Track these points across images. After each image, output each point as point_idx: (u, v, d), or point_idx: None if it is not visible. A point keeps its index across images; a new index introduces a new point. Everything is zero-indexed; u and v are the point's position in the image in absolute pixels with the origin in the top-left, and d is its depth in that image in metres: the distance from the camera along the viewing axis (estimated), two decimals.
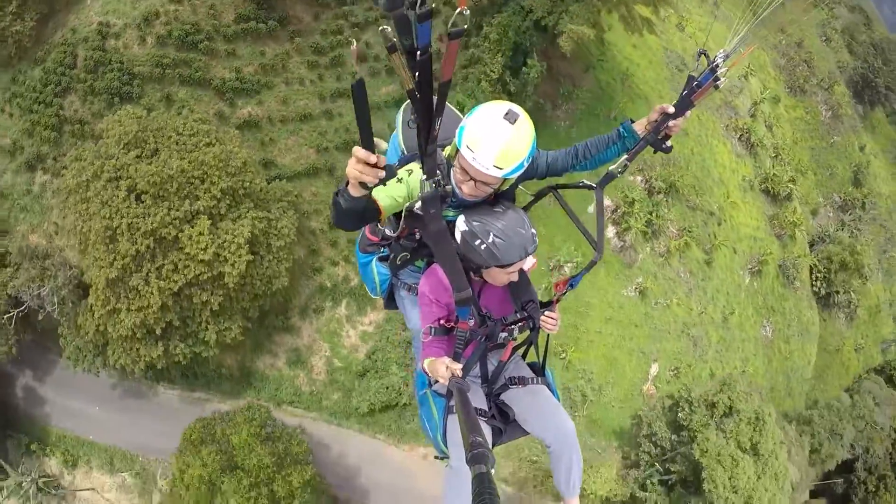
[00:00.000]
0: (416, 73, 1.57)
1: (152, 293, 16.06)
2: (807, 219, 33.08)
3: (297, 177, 22.86)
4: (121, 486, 20.04)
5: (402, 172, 2.33)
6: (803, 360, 30.42)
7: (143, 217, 16.17)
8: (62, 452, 20.20)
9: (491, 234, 2.31)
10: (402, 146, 2.82)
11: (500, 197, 2.54)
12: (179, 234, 16.42)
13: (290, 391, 20.99)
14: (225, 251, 16.63)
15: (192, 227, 16.53)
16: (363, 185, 1.82)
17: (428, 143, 1.91)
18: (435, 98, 1.73)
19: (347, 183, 1.90)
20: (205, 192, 17.01)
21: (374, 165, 1.73)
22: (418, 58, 1.51)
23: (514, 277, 2.53)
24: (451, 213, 2.53)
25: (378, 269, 2.95)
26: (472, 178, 2.28)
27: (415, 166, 2.31)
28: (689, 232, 24.78)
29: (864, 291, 33.22)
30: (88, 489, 19.82)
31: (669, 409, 20.52)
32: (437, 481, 21.02)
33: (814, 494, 29.97)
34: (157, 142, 17.69)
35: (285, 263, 19.04)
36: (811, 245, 31.99)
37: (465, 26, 1.50)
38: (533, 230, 2.39)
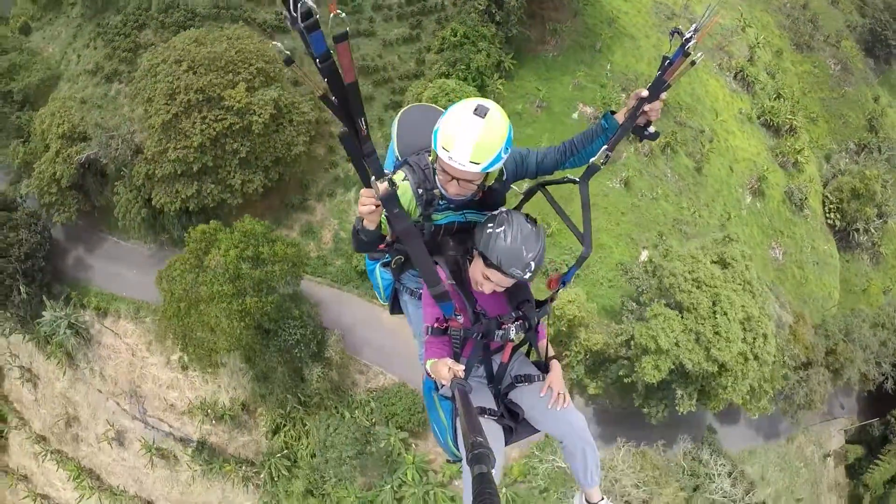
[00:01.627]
0: (326, 80, 1.90)
1: (196, 134, 23.02)
2: (820, 163, 37.14)
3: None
4: (140, 332, 25.68)
5: (384, 182, 2.52)
6: (822, 291, 32.99)
7: (196, 80, 23.61)
8: (97, 302, 26.37)
9: (504, 228, 2.61)
10: (397, 153, 3.25)
11: (490, 196, 2.90)
12: (222, 93, 23.67)
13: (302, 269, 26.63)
14: (255, 105, 23.67)
15: (233, 90, 23.80)
16: (374, 215, 2.40)
17: (360, 143, 2.14)
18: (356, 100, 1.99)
19: (363, 220, 2.45)
20: (244, 69, 24.49)
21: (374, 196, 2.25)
22: (319, 66, 1.85)
23: (486, 288, 2.78)
24: (440, 217, 2.92)
25: (381, 275, 3.38)
26: (453, 178, 2.62)
27: (399, 175, 2.69)
28: (674, 135, 29.80)
29: (888, 232, 35.94)
30: (112, 331, 25.57)
31: (654, 273, 24.40)
32: None
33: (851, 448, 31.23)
34: (211, 44, 25.68)
35: (303, 136, 25.89)
36: (824, 186, 35.77)
37: (347, 29, 1.81)
38: (533, 263, 2.60)
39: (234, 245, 18.51)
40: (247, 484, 26.52)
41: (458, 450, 3.01)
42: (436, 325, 2.90)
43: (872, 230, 34.95)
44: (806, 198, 33.51)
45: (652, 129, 2.85)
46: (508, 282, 2.71)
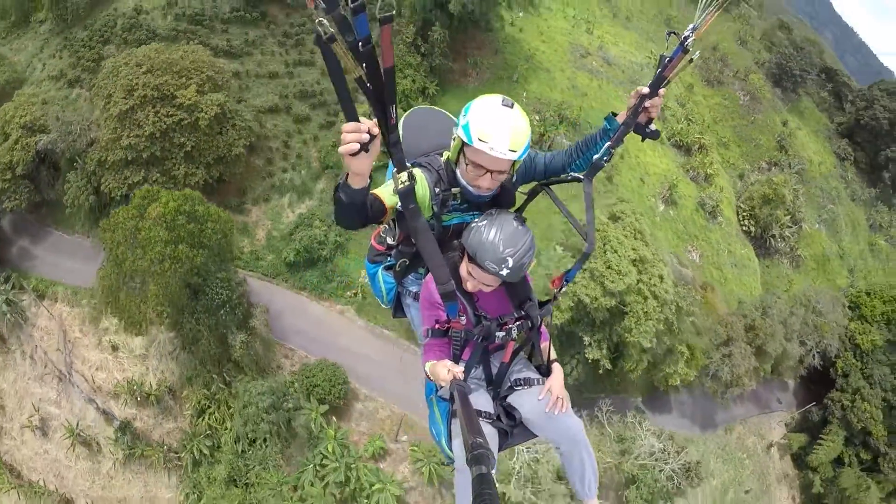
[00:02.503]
0: (363, 65, 2.07)
1: (148, 125, 28.72)
2: (734, 182, 44.47)
3: (263, 113, 36.82)
4: (76, 313, 29.50)
5: (404, 176, 2.80)
6: (743, 290, 38.68)
7: (153, 79, 29.70)
8: (36, 284, 30.40)
9: (486, 223, 2.98)
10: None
11: (503, 196, 3.30)
12: (175, 92, 29.74)
13: (236, 251, 31.40)
14: (203, 104, 29.74)
15: (185, 90, 29.93)
16: (358, 161, 2.35)
17: (389, 131, 2.38)
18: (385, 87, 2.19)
19: (347, 176, 2.53)
20: (196, 75, 30.81)
21: (360, 131, 2.27)
22: (361, 49, 2.02)
23: (470, 285, 3.15)
24: (450, 218, 3.29)
25: (384, 279, 3.75)
26: (487, 171, 2.99)
27: (417, 171, 2.97)
28: None
29: (805, 237, 42.54)
30: (48, 312, 29.39)
31: None
32: (348, 333, 29.61)
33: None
34: (169, 54, 32.17)
35: (243, 140, 31.82)
36: (737, 199, 42.81)
37: (393, 11, 1.98)
38: (510, 259, 2.90)
39: (173, 199, 23.54)
40: (169, 470, 29.07)
41: (451, 451, 3.30)
42: (436, 326, 3.27)
43: (788, 234, 41.53)
44: (718, 205, 40.15)
45: (653, 126, 3.33)
46: (488, 279, 3.02)
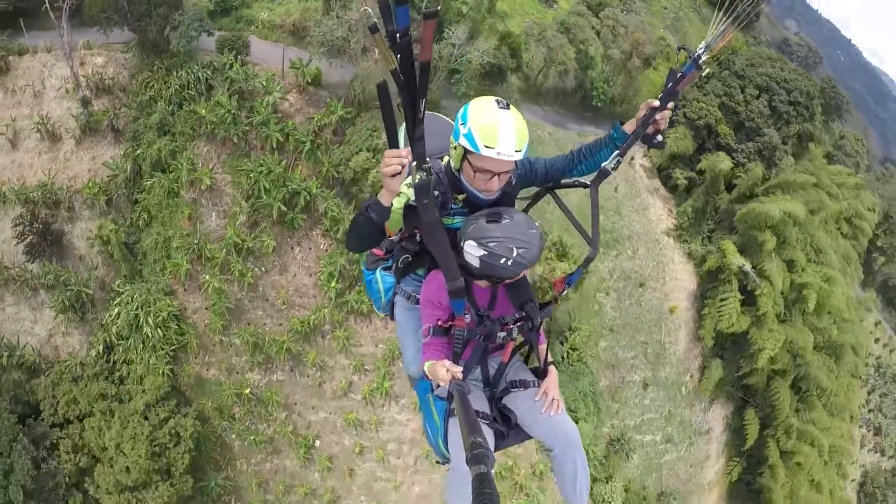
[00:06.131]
0: (399, 56, 2.76)
1: None
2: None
3: None
4: (53, 54, 53.15)
5: (402, 186, 3.91)
6: None
7: None
8: (19, 47, 54.49)
9: (514, 249, 3.89)
10: None
11: (503, 200, 4.40)
12: None
13: None
14: None
15: None
16: (396, 181, 3.59)
17: (415, 125, 3.20)
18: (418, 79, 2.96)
19: (378, 196, 3.74)
20: None
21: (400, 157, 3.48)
22: (399, 40, 2.70)
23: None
24: (451, 222, 4.39)
25: (382, 279, 5.07)
26: (495, 174, 4.05)
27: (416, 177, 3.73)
28: None
29: (649, 36, 67.25)
30: (32, 55, 53.25)
31: None
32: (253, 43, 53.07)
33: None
34: None
35: None
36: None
37: (439, 7, 2.74)
38: (537, 227, 4.00)
39: None
40: (115, 143, 49.42)
41: (447, 451, 4.37)
42: (439, 323, 4.29)
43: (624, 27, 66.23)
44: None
45: (660, 137, 4.54)
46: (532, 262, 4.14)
